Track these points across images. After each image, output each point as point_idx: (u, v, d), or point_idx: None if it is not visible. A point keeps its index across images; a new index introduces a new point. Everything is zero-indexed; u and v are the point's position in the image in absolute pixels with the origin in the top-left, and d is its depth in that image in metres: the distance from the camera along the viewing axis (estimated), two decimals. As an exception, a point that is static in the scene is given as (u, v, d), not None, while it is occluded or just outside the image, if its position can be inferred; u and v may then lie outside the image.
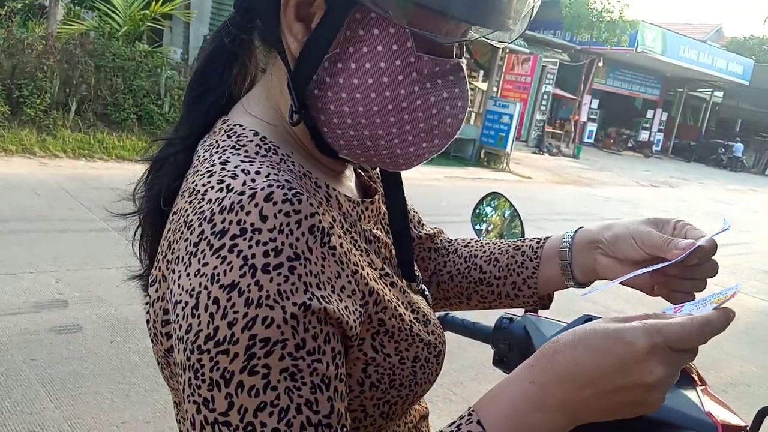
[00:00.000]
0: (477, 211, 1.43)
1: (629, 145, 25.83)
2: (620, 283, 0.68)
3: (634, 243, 0.70)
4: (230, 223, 0.49)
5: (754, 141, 29.51)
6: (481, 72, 17.48)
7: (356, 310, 0.55)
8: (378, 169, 0.78)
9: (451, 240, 0.95)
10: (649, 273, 0.67)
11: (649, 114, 27.43)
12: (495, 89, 15.99)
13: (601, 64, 21.83)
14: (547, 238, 0.84)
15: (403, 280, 0.69)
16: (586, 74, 21.24)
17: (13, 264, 4.06)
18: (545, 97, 19.31)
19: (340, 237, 0.57)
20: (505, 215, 1.36)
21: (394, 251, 0.71)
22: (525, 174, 13.96)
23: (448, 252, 0.92)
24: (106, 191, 6.24)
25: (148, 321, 0.58)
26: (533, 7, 0.59)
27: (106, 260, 4.35)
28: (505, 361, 1.13)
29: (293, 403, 0.47)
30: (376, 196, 0.71)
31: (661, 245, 0.67)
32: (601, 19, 18.77)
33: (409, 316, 0.64)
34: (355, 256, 0.59)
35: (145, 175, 0.67)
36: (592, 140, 25.02)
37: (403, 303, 0.64)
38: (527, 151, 18.60)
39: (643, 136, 27.02)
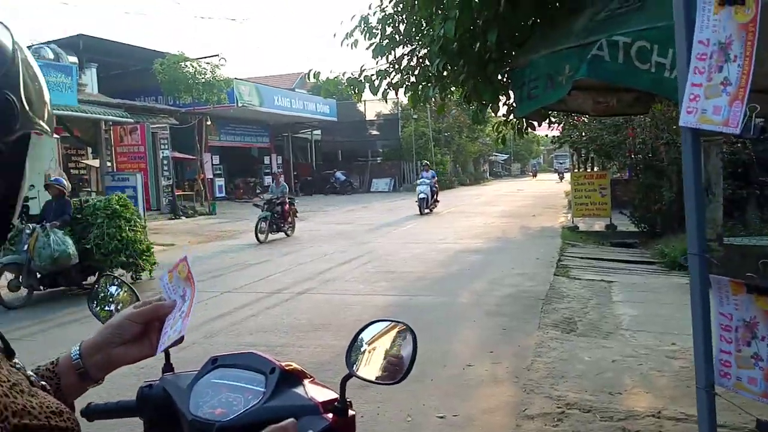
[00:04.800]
0: (101, 295, 1.45)
1: (257, 191, 27.61)
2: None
3: (133, 322, 0.94)
4: None
5: (355, 166, 34.88)
6: (90, 150, 16.43)
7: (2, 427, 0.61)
8: None
9: None
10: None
11: (267, 160, 29.84)
12: (109, 164, 15.21)
13: (209, 122, 22.83)
14: (57, 359, 0.97)
15: (30, 385, 0.73)
16: (199, 133, 21.92)
17: None
18: (165, 162, 19.22)
19: None
20: (129, 289, 1.42)
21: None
22: (166, 242, 13.64)
23: None
24: None
25: None
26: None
27: None
28: (155, 428, 1.20)
29: None
30: None
31: (154, 310, 0.95)
32: (196, 81, 19.64)
33: (45, 413, 0.70)
34: None
35: None
36: (224, 194, 25.90)
37: (35, 405, 0.70)
38: (163, 218, 18.19)
39: (268, 180, 29.21)
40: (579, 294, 7.34)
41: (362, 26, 4.72)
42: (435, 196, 19.43)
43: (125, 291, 1.43)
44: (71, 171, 16.53)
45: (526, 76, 3.61)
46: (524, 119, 4.90)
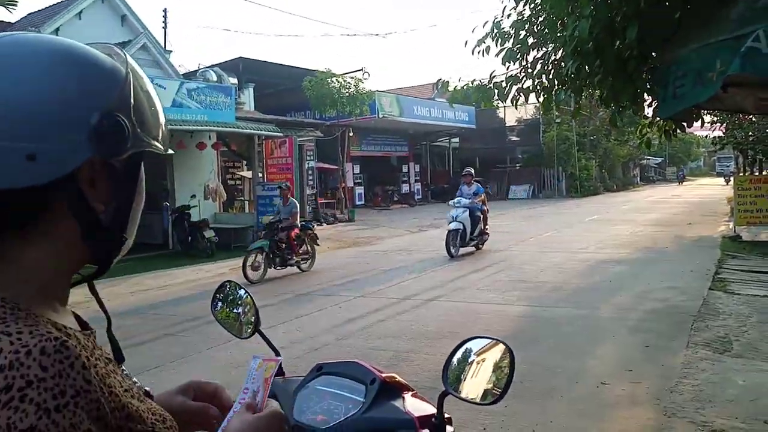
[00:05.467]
0: (230, 298, 1.56)
1: (395, 198, 28.22)
2: None
3: (190, 413, 0.90)
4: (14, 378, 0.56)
5: (492, 173, 34.32)
6: (245, 162, 17.84)
7: (112, 415, 0.65)
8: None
9: None
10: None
11: (404, 168, 30.42)
12: (261, 175, 16.41)
13: (351, 134, 23.79)
14: None
15: (140, 391, 0.78)
16: (341, 145, 22.94)
17: None
18: (310, 172, 20.32)
19: (95, 366, 0.65)
20: (248, 294, 1.51)
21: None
22: (308, 247, 14.39)
23: None
24: None
25: None
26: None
27: None
28: None
29: None
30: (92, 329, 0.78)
31: (198, 412, 0.89)
32: (341, 96, 20.58)
33: (152, 419, 0.74)
34: (109, 378, 0.67)
35: None
36: (363, 202, 26.83)
37: (144, 410, 0.73)
38: (306, 225, 19.26)
39: (405, 188, 29.79)
40: (737, 311, 6.59)
41: (494, 32, 4.64)
42: (481, 226, 12.05)
43: (249, 296, 1.52)
44: (228, 182, 18.08)
45: (672, 73, 3.33)
46: (672, 120, 4.53)
